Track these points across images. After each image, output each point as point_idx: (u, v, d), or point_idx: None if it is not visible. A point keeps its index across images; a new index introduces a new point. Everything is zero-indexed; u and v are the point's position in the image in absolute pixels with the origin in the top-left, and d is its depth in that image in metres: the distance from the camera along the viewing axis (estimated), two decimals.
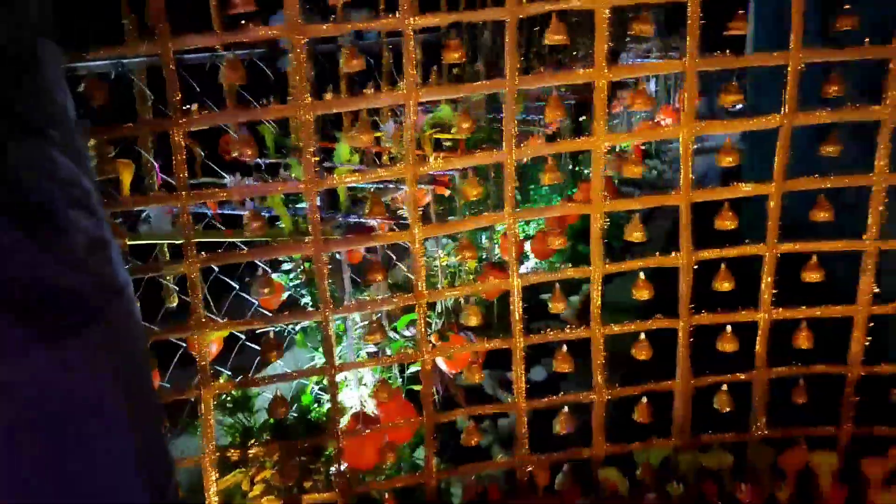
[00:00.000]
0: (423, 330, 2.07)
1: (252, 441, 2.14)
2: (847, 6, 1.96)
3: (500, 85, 1.93)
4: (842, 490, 2.18)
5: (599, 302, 2.15)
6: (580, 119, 4.95)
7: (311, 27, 1.78)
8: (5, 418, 1.23)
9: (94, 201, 1.39)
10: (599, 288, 2.14)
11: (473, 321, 2.13)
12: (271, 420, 2.23)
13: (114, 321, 1.46)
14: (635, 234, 2.14)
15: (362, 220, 2.16)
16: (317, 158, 1.84)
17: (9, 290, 1.21)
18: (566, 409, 2.24)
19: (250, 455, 2.07)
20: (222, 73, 1.77)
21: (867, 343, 2.21)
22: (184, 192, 1.82)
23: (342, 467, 2.10)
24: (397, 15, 1.80)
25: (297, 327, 2.52)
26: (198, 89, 2.15)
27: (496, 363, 2.99)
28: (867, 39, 1.93)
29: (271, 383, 2.07)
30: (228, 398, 2.24)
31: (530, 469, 2.25)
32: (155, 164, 2.12)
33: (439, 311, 2.92)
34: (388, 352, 2.49)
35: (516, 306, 2.10)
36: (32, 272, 1.25)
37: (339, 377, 2.10)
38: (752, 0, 4.77)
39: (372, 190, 2.20)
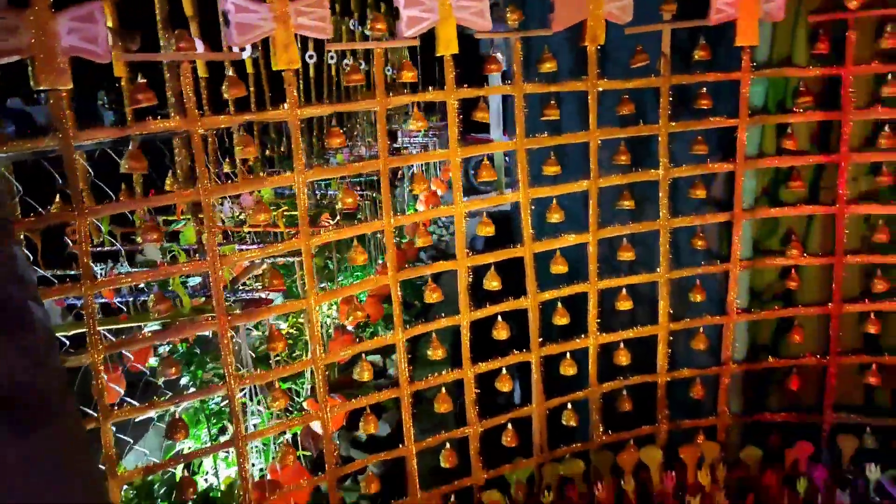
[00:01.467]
0: (322, 389, 2.25)
1: None
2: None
3: (289, 180, 2.11)
4: (669, 476, 2.68)
5: (468, 346, 2.49)
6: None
7: (207, 119, 1.96)
8: None
9: (36, 290, 1.48)
10: (468, 335, 2.48)
11: (367, 377, 2.35)
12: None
13: (70, 415, 1.53)
14: (434, 296, 2.45)
15: (254, 294, 2.31)
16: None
17: None
18: (448, 445, 2.53)
19: None
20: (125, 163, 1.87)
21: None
22: (87, 282, 1.87)
23: None
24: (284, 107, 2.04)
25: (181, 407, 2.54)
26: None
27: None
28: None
29: (179, 463, 2.11)
30: (130, 487, 2.22)
31: None
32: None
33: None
34: (256, 422, 2.61)
35: (403, 360, 2.37)
36: (9, 370, 1.32)
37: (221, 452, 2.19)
38: None
39: (269, 265, 2.35)
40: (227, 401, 2.52)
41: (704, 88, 2.57)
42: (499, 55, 2.47)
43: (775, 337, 2.88)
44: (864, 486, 2.61)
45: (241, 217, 3.19)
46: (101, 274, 2.37)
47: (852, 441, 2.75)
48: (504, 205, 2.68)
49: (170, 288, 2.21)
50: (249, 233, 2.92)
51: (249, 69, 3.60)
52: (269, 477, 2.38)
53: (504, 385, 2.57)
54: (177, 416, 2.06)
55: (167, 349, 2.50)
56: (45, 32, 1.65)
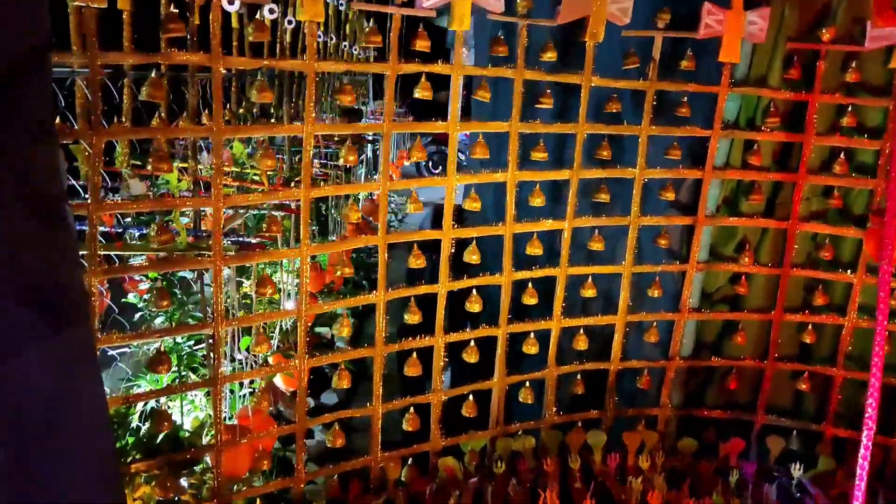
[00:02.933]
0: (303, 343, 2.29)
1: (129, 459, 2.13)
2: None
3: (298, 130, 2.18)
4: (613, 458, 2.83)
5: (442, 315, 2.57)
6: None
7: (231, 59, 1.98)
8: None
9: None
10: (444, 304, 2.57)
11: (346, 332, 2.40)
12: (144, 439, 2.23)
13: (91, 319, 1.55)
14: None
15: (247, 239, 2.33)
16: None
17: (24, 279, 1.29)
18: (412, 409, 2.60)
19: (130, 472, 2.08)
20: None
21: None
22: (94, 202, 1.86)
23: (219, 478, 2.20)
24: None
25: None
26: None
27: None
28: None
29: (152, 397, 2.12)
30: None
31: (381, 465, 2.56)
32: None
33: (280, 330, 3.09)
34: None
35: (381, 321, 2.44)
36: (46, 264, 1.34)
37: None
38: None
39: (270, 212, 2.34)
40: (199, 344, 2.53)
41: (686, 97, 2.74)
42: (501, 37, 2.55)
43: (719, 338, 3.08)
44: (787, 484, 2.83)
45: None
46: None
47: (779, 441, 2.97)
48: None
49: (169, 222, 2.21)
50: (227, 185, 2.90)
51: (235, 24, 3.57)
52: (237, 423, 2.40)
53: (471, 356, 2.67)
54: (161, 349, 2.07)
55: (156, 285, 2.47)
56: None
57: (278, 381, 2.80)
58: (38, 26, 1.30)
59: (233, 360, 2.56)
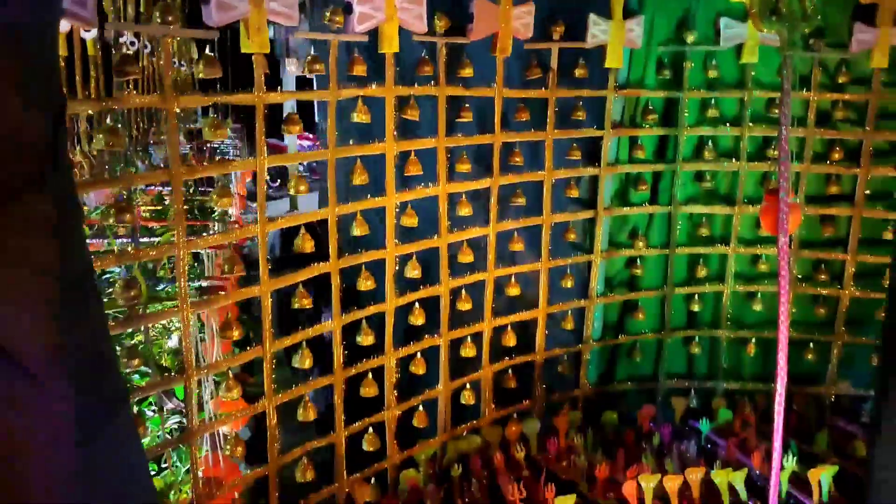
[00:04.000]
0: (269, 378, 2.23)
1: None
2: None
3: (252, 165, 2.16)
4: (552, 441, 3.02)
5: (391, 333, 2.61)
6: None
7: (184, 98, 1.88)
8: None
9: None
10: (392, 321, 2.60)
11: (308, 363, 2.36)
12: None
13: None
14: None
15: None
16: None
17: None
18: (371, 430, 2.61)
19: None
20: None
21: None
22: None
23: None
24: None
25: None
26: None
27: None
28: None
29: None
30: None
31: (347, 490, 2.56)
32: None
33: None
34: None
35: (338, 347, 2.42)
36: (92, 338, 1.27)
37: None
38: None
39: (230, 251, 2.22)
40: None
41: (581, 102, 2.98)
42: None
43: (622, 317, 3.37)
44: (697, 438, 3.17)
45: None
46: None
47: (682, 402, 3.32)
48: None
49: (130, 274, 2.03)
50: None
51: (91, 50, 3.29)
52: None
53: (419, 368, 2.73)
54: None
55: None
56: None
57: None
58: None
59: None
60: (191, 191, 4.24)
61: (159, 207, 3.40)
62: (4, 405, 1.07)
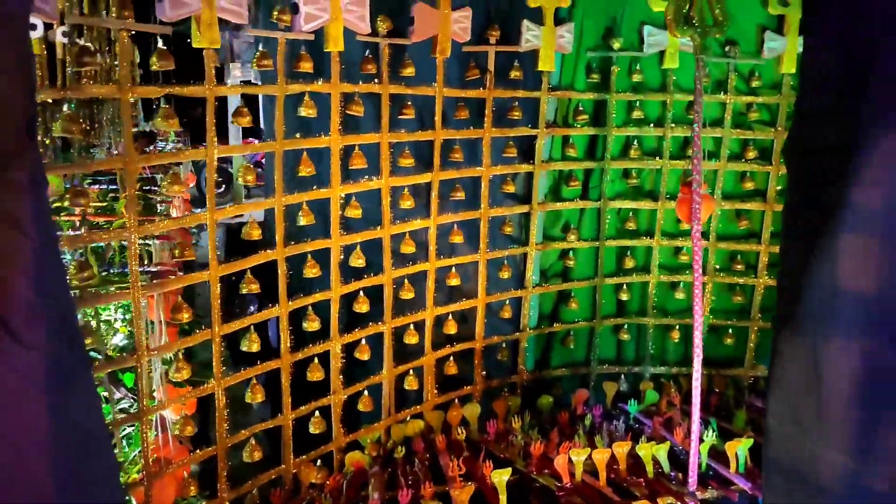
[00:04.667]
0: (219, 363, 2.32)
1: None
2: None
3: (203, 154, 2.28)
4: (492, 425, 3.17)
5: (336, 319, 2.72)
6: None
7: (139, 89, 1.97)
8: None
9: None
10: (337, 308, 2.72)
11: (255, 347, 2.46)
12: None
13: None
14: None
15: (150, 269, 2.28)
16: None
17: None
18: (317, 412, 2.72)
19: None
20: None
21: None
22: None
23: None
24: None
25: None
26: None
27: None
28: None
29: None
30: None
31: (294, 471, 2.66)
32: None
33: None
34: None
35: (285, 332, 2.53)
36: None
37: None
38: None
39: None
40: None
41: (517, 102, 3.16)
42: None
43: (556, 306, 3.56)
44: (626, 419, 3.37)
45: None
46: None
47: (613, 386, 3.52)
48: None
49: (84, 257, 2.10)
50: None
51: (37, 50, 3.30)
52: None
53: (363, 354, 2.85)
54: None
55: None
56: None
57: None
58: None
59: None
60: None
61: (104, 204, 3.43)
62: None
